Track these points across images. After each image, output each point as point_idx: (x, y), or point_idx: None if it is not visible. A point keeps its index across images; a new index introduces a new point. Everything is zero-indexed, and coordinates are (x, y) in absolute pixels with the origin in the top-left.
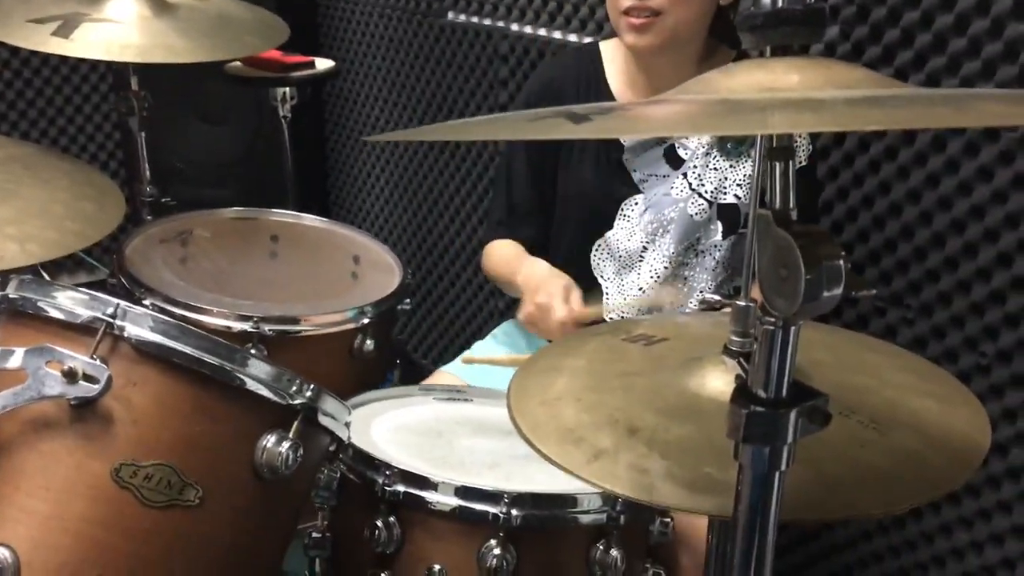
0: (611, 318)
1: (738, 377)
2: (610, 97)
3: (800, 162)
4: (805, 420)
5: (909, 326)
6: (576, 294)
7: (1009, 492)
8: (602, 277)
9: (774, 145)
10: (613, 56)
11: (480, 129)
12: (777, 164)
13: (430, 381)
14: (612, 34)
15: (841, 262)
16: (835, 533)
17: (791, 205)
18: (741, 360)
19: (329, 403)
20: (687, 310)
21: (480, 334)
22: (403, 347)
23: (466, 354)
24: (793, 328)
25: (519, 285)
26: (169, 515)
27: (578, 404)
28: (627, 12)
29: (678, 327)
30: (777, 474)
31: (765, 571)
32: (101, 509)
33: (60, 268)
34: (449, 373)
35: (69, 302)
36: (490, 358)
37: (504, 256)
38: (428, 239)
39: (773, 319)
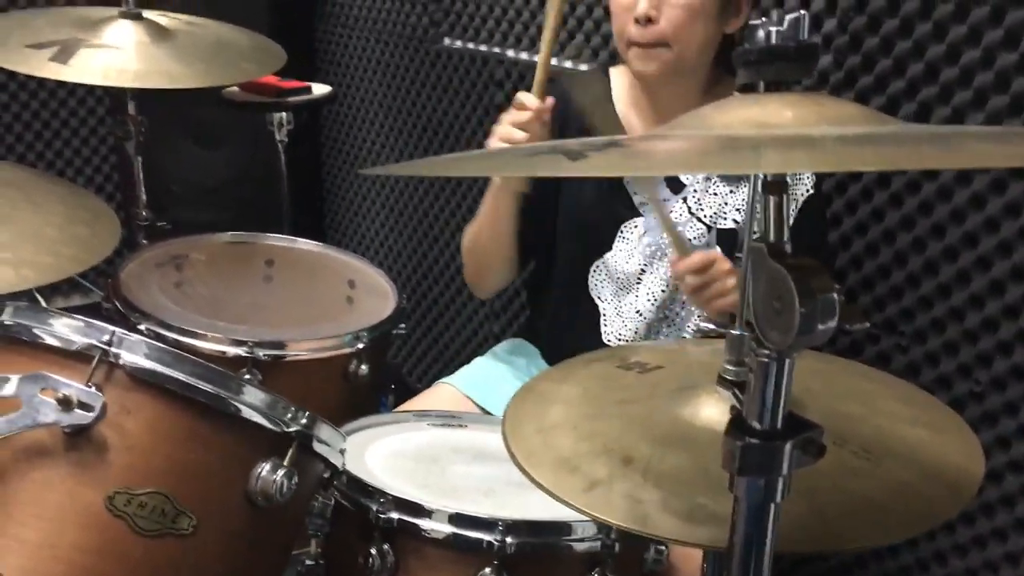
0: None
1: (733, 408)
2: (616, 122)
3: (807, 190)
4: (800, 452)
5: (903, 353)
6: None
7: (1003, 520)
8: (599, 298)
9: (768, 179)
10: (620, 81)
11: (476, 165)
12: (772, 198)
13: (429, 394)
14: (619, 60)
15: (835, 295)
16: (828, 562)
17: (785, 238)
18: (736, 391)
19: (324, 430)
20: (683, 337)
21: (476, 357)
22: (398, 371)
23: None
24: (788, 360)
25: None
26: (162, 544)
27: (574, 432)
28: (633, 42)
29: (673, 354)
30: (772, 506)
31: None
32: (94, 537)
33: (55, 291)
34: (449, 385)
35: (65, 329)
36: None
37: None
38: (423, 263)
39: (768, 351)
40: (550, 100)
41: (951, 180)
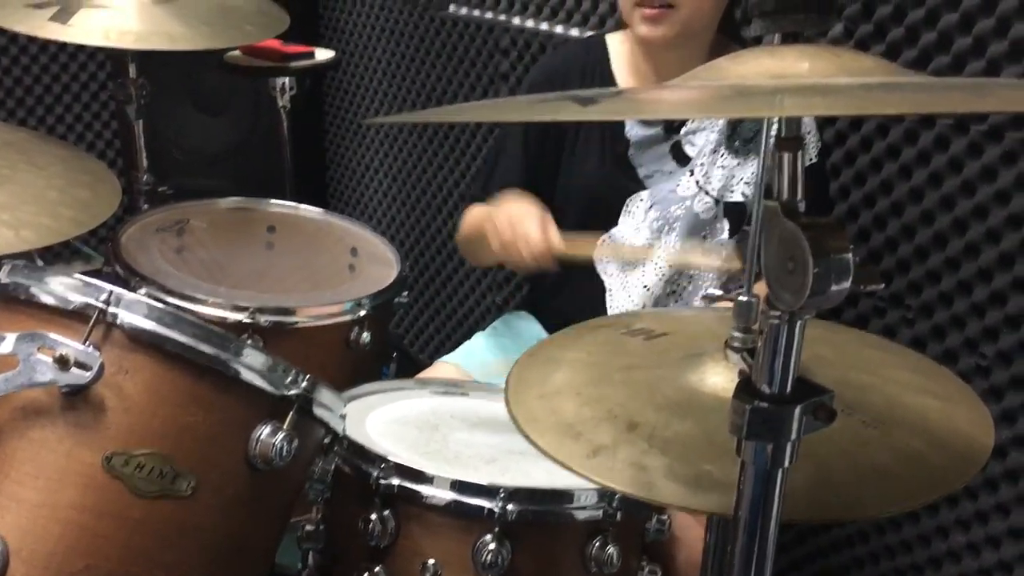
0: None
1: (741, 372)
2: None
3: (810, 159)
4: (809, 417)
5: (909, 326)
6: (552, 228)
7: (1007, 495)
8: (605, 273)
9: (783, 135)
10: (619, 49)
11: (486, 111)
12: (785, 155)
13: (428, 373)
14: (616, 28)
15: (850, 255)
16: (830, 533)
17: (799, 197)
18: (745, 355)
19: (325, 395)
20: (692, 306)
21: (478, 329)
22: (399, 341)
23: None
24: (799, 323)
25: (493, 218)
26: (160, 505)
27: (577, 398)
28: (640, 3)
29: (679, 322)
30: (780, 471)
31: (765, 570)
32: (91, 498)
33: (56, 257)
34: (448, 364)
35: (61, 288)
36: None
37: (479, 210)
38: (426, 233)
39: (778, 313)
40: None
41: (963, 151)
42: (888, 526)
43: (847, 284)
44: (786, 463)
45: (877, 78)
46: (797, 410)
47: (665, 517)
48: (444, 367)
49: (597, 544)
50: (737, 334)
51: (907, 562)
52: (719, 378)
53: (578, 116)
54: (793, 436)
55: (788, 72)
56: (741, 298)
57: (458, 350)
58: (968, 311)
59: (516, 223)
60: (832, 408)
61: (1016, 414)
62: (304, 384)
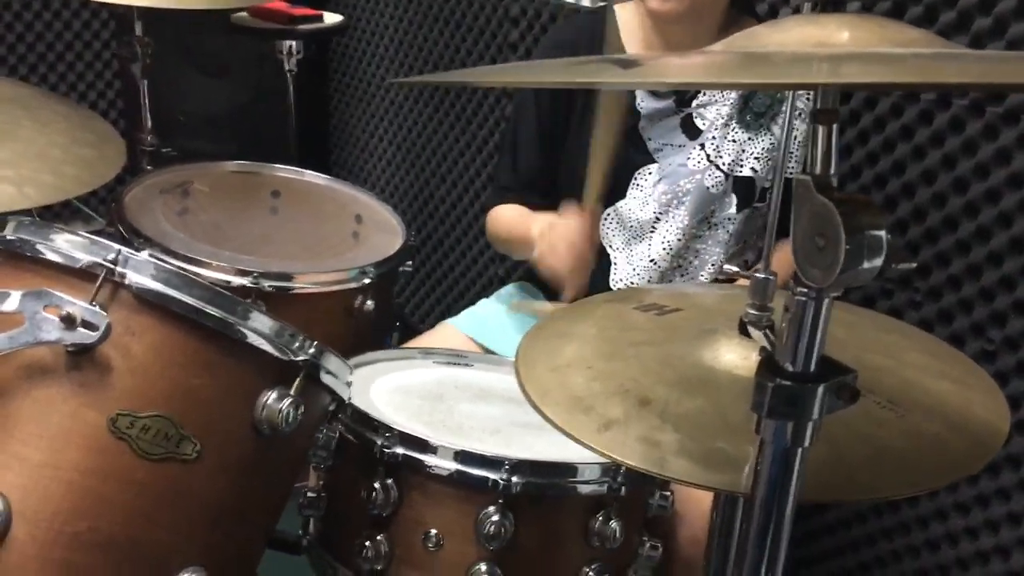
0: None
1: (762, 350)
2: None
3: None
4: (832, 396)
5: (916, 309)
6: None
7: (1008, 480)
8: (610, 247)
9: (819, 107)
10: (628, 20)
11: (518, 74)
12: (821, 128)
13: (433, 334)
14: None
15: (884, 232)
16: (827, 514)
17: (832, 171)
18: (767, 332)
19: (332, 361)
20: (700, 281)
21: (480, 299)
22: (400, 311)
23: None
24: (826, 300)
25: (534, 236)
26: (165, 468)
27: (588, 372)
28: None
29: (690, 298)
30: (799, 451)
31: (780, 549)
32: (95, 459)
33: (55, 218)
34: (452, 326)
35: (68, 246)
36: (534, 307)
37: (514, 214)
38: (429, 204)
39: (806, 290)
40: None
41: (977, 134)
42: (886, 508)
43: (879, 262)
44: (806, 443)
45: (924, 48)
46: (820, 389)
47: (668, 493)
48: (448, 328)
49: (600, 518)
50: (752, 312)
51: (903, 544)
52: (733, 355)
53: (619, 79)
54: (815, 416)
55: (830, 41)
56: (758, 275)
57: (462, 314)
58: (977, 295)
59: (558, 245)
60: (855, 388)
61: (1021, 400)
62: (312, 350)
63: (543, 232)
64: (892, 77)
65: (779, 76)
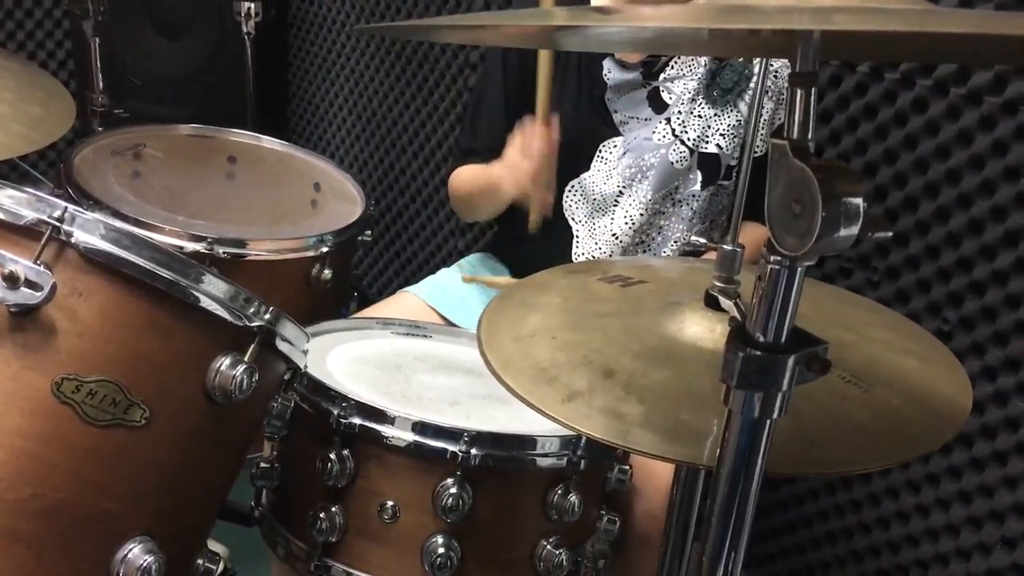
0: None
1: (732, 320)
2: None
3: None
4: (803, 367)
5: (873, 288)
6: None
7: (959, 459)
8: (573, 219)
9: (798, 70)
10: None
11: (489, 19)
12: (799, 91)
13: (391, 302)
14: None
15: (861, 200)
16: (781, 489)
17: (809, 136)
18: (738, 302)
19: (288, 328)
20: (663, 255)
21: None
22: (358, 282)
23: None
24: (799, 269)
25: (495, 173)
26: (112, 434)
27: (552, 343)
28: None
29: (655, 270)
30: (768, 422)
31: (745, 522)
32: (39, 424)
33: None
34: (412, 294)
35: (11, 202)
36: (489, 279)
37: (475, 169)
38: (389, 174)
39: (779, 258)
40: (555, 126)
41: (940, 115)
42: (856, 478)
43: (855, 230)
44: (775, 414)
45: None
46: (791, 360)
47: (627, 467)
48: (407, 297)
49: (559, 492)
50: (719, 283)
51: (873, 515)
52: (698, 328)
53: (601, 23)
54: (785, 387)
55: (809, 4)
56: (725, 246)
57: (421, 283)
58: (934, 276)
59: (519, 158)
60: (826, 360)
61: (975, 380)
62: (268, 316)
63: (504, 158)
64: (882, 26)
65: (763, 22)
